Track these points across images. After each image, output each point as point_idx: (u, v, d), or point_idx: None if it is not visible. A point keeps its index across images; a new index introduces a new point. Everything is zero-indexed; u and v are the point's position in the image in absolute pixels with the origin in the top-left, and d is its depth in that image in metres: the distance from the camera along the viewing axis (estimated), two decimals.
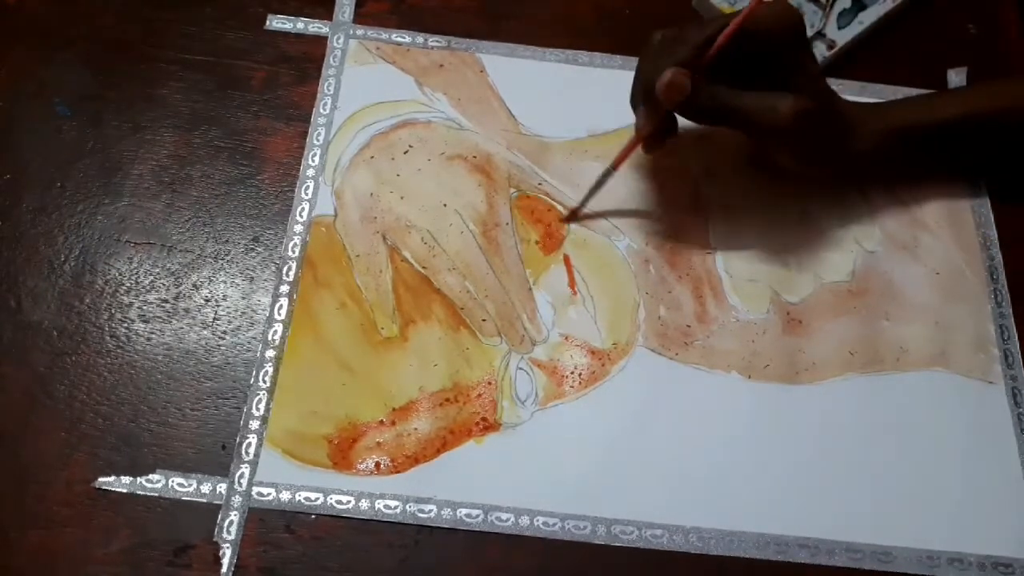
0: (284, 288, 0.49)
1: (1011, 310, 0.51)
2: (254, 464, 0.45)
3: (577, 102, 0.56)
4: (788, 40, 0.46)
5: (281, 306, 0.49)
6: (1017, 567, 0.45)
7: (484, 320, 0.49)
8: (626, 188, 0.53)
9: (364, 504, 0.44)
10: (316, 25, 0.58)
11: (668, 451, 0.46)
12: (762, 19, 0.45)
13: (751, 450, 0.47)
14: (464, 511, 0.44)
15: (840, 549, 0.45)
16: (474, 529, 0.44)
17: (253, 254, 0.51)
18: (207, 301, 0.49)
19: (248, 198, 0.52)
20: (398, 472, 0.45)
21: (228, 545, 0.43)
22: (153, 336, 0.48)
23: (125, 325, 0.48)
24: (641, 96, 0.48)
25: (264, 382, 0.47)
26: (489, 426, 0.47)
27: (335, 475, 0.45)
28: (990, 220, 0.53)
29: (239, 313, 0.49)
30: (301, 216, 0.51)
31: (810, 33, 0.57)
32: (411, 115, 0.55)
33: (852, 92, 0.56)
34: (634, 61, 0.57)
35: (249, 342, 0.48)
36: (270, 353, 0.48)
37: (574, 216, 0.52)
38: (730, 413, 0.48)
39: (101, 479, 0.44)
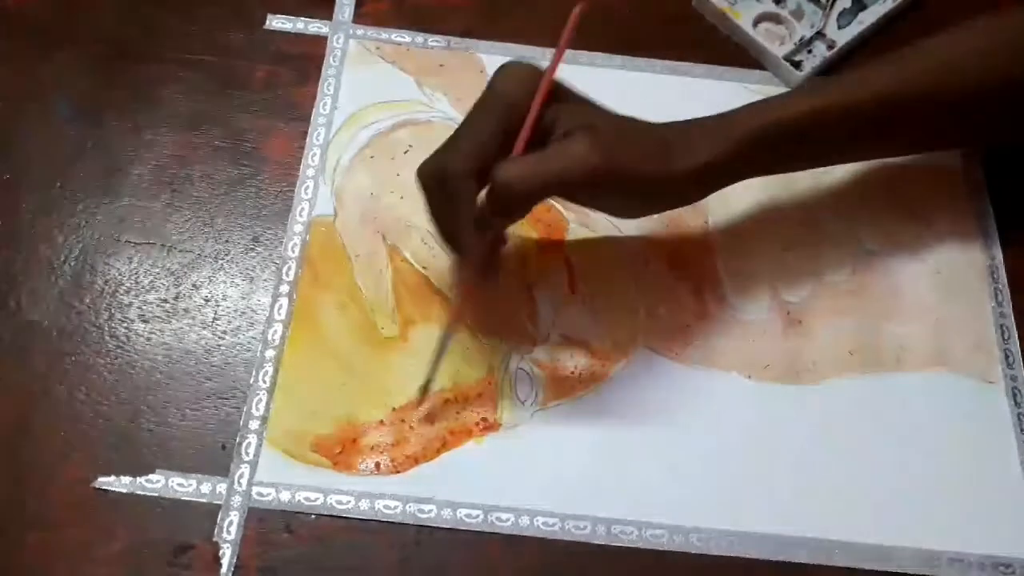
0: (284, 288, 0.49)
1: (1011, 310, 0.51)
2: (254, 464, 0.45)
3: None
4: (545, 98, 0.42)
5: (281, 306, 0.49)
6: (1017, 567, 0.45)
7: (484, 320, 0.49)
8: None
9: (364, 504, 0.44)
10: (316, 25, 0.58)
11: (668, 451, 0.46)
12: (513, 95, 0.41)
13: (751, 450, 0.47)
14: (464, 511, 0.44)
15: (840, 549, 0.45)
16: (474, 529, 0.44)
17: (253, 254, 0.51)
18: (207, 301, 0.49)
19: (248, 198, 0.52)
20: (398, 472, 0.45)
21: (228, 545, 0.43)
22: (153, 336, 0.48)
23: (125, 325, 0.48)
24: (460, 223, 0.42)
25: (264, 382, 0.47)
26: (489, 426, 0.47)
27: (335, 475, 0.45)
28: (991, 219, 0.53)
29: (239, 313, 0.49)
30: (301, 216, 0.51)
31: (810, 33, 0.58)
32: (411, 115, 0.55)
33: None
34: (634, 61, 0.58)
35: (249, 342, 0.48)
36: (270, 353, 0.48)
37: (426, 392, 0.46)
38: (730, 413, 0.48)
39: (101, 479, 0.44)
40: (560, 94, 0.43)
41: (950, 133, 0.50)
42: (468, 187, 0.41)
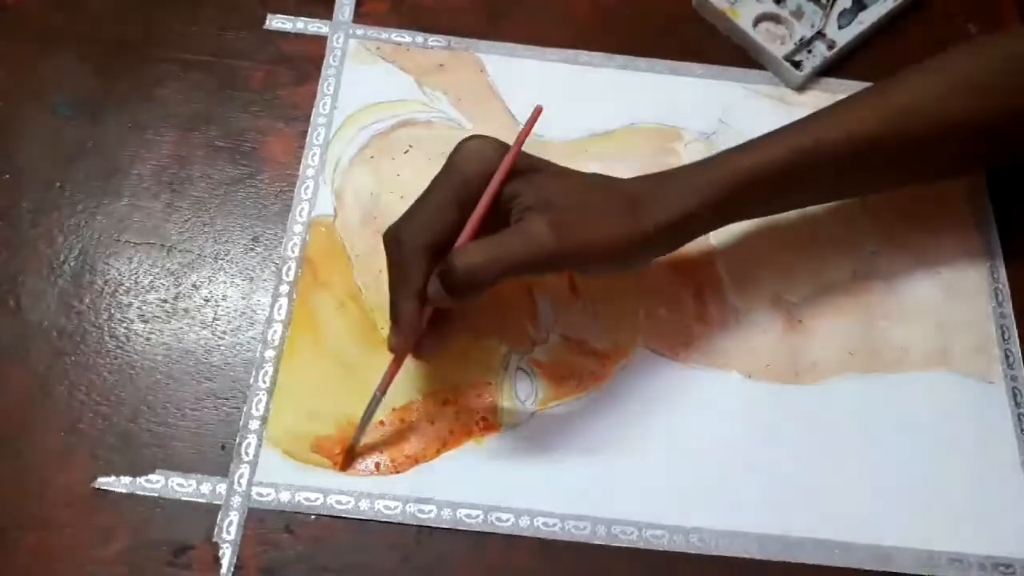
0: (284, 288, 0.49)
1: (1011, 310, 0.51)
2: (254, 464, 0.45)
3: (577, 102, 0.56)
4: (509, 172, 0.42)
5: (281, 306, 0.49)
6: (1017, 567, 0.45)
7: (484, 320, 0.49)
8: None
9: (364, 504, 0.44)
10: (316, 25, 0.58)
11: (668, 451, 0.46)
12: (471, 171, 0.41)
13: (751, 450, 0.47)
14: (464, 511, 0.44)
15: (840, 549, 0.45)
16: (474, 529, 0.44)
17: (253, 254, 0.51)
18: (207, 301, 0.49)
19: (248, 198, 0.52)
20: (398, 472, 0.45)
21: (228, 545, 0.43)
22: (152, 336, 0.48)
23: (124, 325, 0.48)
24: (403, 293, 0.42)
25: (264, 382, 0.47)
26: (489, 426, 0.47)
27: (335, 475, 0.45)
28: (990, 219, 0.53)
29: (239, 313, 0.49)
30: (301, 216, 0.51)
31: (810, 33, 0.58)
32: (411, 115, 0.55)
33: (853, 91, 0.56)
34: (635, 61, 0.58)
35: (249, 342, 0.48)
36: (270, 353, 0.48)
37: (351, 457, 0.45)
38: (730, 413, 0.48)
39: (101, 479, 0.44)
40: (522, 164, 0.42)
41: (922, 172, 0.50)
42: (418, 260, 0.42)
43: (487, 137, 0.43)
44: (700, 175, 0.45)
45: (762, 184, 0.45)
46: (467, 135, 0.43)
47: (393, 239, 0.43)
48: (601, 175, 0.45)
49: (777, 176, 0.45)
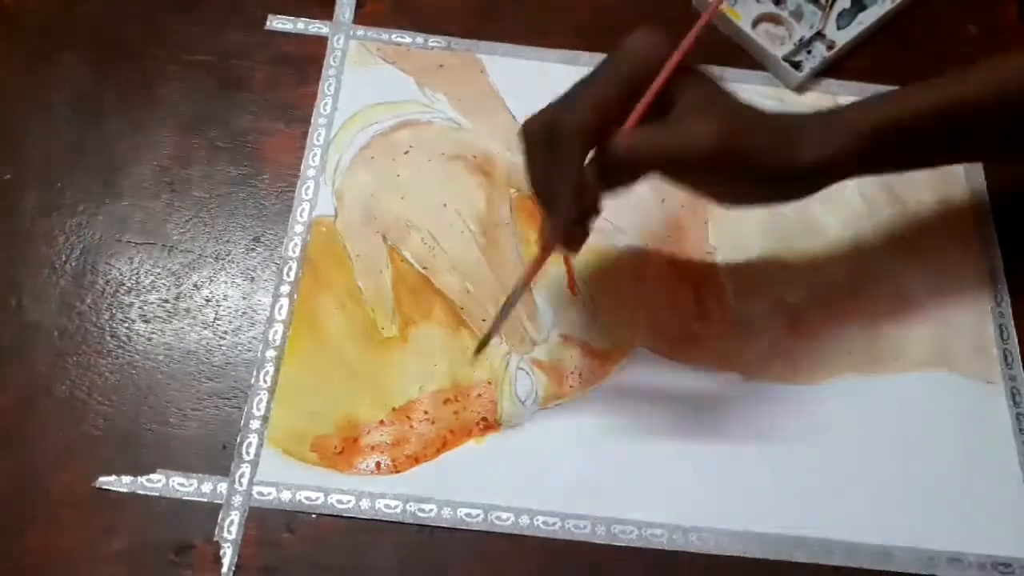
0: (284, 288, 0.49)
1: (1011, 310, 0.51)
2: (254, 464, 0.45)
3: None
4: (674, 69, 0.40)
5: (281, 306, 0.49)
6: (1017, 567, 0.45)
7: (484, 320, 0.49)
8: None
9: (364, 504, 0.44)
10: (316, 25, 0.58)
11: (668, 451, 0.46)
12: (644, 60, 0.40)
13: (751, 450, 0.47)
14: (464, 511, 0.44)
15: (840, 549, 0.45)
16: (474, 529, 0.44)
17: (253, 254, 0.51)
18: (208, 301, 0.49)
19: (248, 198, 0.52)
20: (398, 472, 0.45)
21: (228, 545, 0.43)
22: (154, 336, 0.48)
23: (126, 325, 0.48)
24: (561, 181, 0.41)
25: (265, 382, 0.47)
26: (489, 426, 0.47)
27: (335, 475, 0.45)
28: (990, 219, 0.53)
29: (240, 313, 0.49)
30: (301, 216, 0.51)
31: (809, 34, 0.58)
32: (411, 115, 0.55)
33: (852, 92, 0.56)
34: None
35: (250, 342, 0.48)
36: (271, 353, 0.48)
37: (485, 344, 0.45)
38: (730, 413, 0.48)
39: (101, 479, 0.44)
40: (687, 68, 0.41)
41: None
42: (579, 145, 0.40)
43: (658, 30, 0.42)
44: (845, 121, 0.44)
45: (902, 136, 0.44)
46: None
47: (548, 126, 0.41)
48: (754, 105, 0.43)
49: (918, 128, 0.44)
